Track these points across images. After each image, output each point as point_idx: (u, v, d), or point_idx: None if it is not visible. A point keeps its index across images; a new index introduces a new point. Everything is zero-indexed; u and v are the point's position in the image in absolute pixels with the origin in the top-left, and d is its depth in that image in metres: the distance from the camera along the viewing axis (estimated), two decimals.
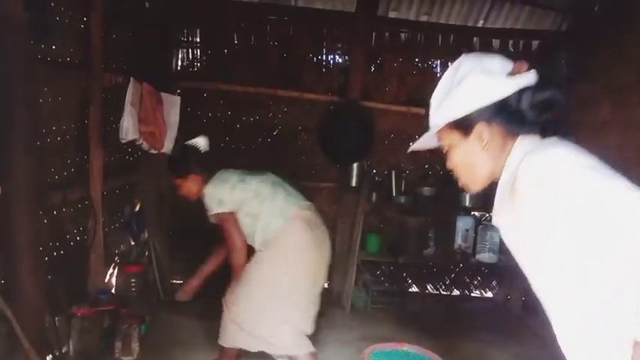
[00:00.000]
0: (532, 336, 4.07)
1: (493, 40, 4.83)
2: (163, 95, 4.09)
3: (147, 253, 4.34)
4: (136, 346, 3.16)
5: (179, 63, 4.72)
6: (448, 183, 4.66)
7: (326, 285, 4.82)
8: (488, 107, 1.20)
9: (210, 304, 2.98)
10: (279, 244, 2.73)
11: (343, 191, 4.80)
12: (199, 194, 2.91)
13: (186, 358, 3.23)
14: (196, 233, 4.60)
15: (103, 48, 3.29)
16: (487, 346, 3.78)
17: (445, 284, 5.04)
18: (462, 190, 4.52)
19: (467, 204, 4.53)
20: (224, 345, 2.88)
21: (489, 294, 5.05)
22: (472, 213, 4.72)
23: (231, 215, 2.76)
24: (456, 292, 5.04)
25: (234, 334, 2.79)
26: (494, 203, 1.29)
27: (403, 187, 4.64)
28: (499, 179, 1.25)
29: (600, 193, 1.02)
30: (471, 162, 1.28)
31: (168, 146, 4.22)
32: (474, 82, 1.21)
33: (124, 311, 3.26)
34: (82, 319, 2.96)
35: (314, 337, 3.65)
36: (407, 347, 2.81)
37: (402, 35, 4.79)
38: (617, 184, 1.03)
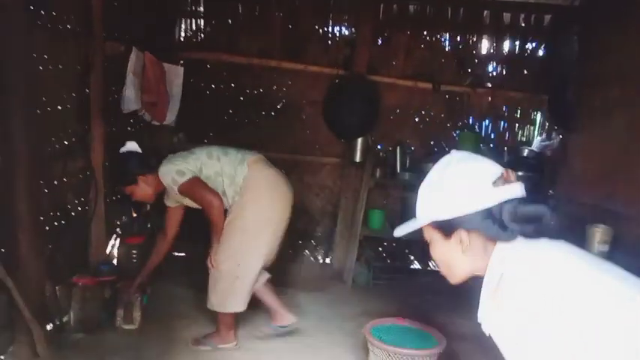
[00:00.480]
0: None
1: (504, 13, 4.70)
2: (166, 66, 4.03)
3: (148, 225, 4.33)
4: (137, 315, 3.17)
5: (182, 33, 4.63)
6: None
7: (327, 260, 4.86)
8: (470, 215, 1.22)
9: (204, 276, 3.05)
10: (253, 186, 2.89)
11: (347, 166, 4.76)
12: (155, 192, 3.00)
13: (187, 330, 3.23)
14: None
15: (105, 16, 3.22)
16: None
17: None
18: None
19: None
20: (222, 310, 2.95)
21: None
22: None
23: (195, 179, 2.84)
24: None
25: (230, 293, 2.91)
26: (480, 302, 1.31)
27: (408, 164, 4.59)
28: (481, 275, 1.28)
29: (569, 319, 1.06)
30: (449, 261, 1.33)
31: (170, 118, 4.18)
32: (460, 188, 1.23)
33: (125, 281, 3.27)
34: (83, 288, 2.97)
35: (316, 313, 3.69)
36: (407, 322, 2.81)
37: (411, 8, 4.67)
38: (591, 298, 1.07)
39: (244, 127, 4.68)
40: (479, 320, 1.36)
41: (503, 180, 1.21)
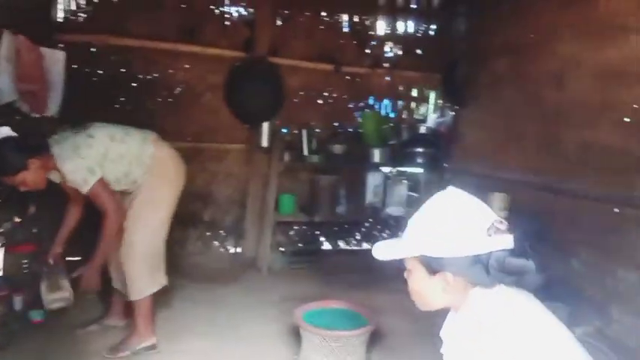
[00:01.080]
0: None
1: None
2: (44, 50, 3.56)
3: (35, 230, 3.86)
4: (65, 282, 2.81)
5: (61, 13, 4.12)
6: (357, 140, 4.71)
7: (239, 249, 4.73)
8: (461, 259, 1.23)
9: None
10: (161, 165, 2.86)
11: (253, 152, 4.63)
12: (46, 175, 2.66)
13: (96, 341, 2.94)
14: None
15: None
16: (403, 294, 3.90)
17: (356, 239, 5.15)
18: (370, 146, 4.59)
19: (376, 160, 4.60)
20: (149, 292, 2.86)
21: None
22: (380, 169, 4.81)
23: (102, 182, 2.67)
24: (366, 246, 5.18)
25: (154, 271, 2.86)
26: (445, 333, 1.41)
27: (314, 146, 4.59)
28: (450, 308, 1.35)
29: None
30: (426, 294, 1.33)
31: (52, 108, 3.72)
32: (456, 232, 1.22)
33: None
34: None
35: (234, 304, 3.57)
36: (336, 304, 2.81)
37: None
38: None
39: (139, 115, 4.32)
40: (441, 351, 1.42)
41: (496, 228, 1.23)
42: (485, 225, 1.22)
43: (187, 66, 4.46)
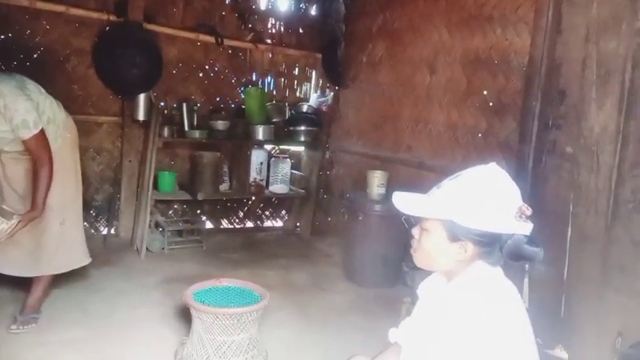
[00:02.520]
0: (322, 256, 4.47)
1: None
2: None
3: None
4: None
5: None
6: (241, 116, 4.62)
7: (112, 231, 4.40)
8: (485, 233, 1.27)
9: None
10: (70, 132, 2.86)
11: (128, 126, 4.31)
12: None
13: None
14: None
15: None
16: (286, 269, 3.99)
17: (239, 218, 5.09)
18: (254, 124, 4.53)
19: (260, 137, 4.56)
20: (49, 273, 2.84)
21: (280, 223, 5.30)
22: (264, 146, 4.79)
23: (42, 131, 2.53)
24: (249, 225, 5.15)
25: (60, 253, 2.83)
26: (427, 285, 1.47)
27: (195, 121, 4.40)
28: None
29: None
30: (436, 257, 1.34)
31: None
32: (491, 207, 1.26)
33: None
34: None
35: (113, 289, 3.32)
36: (226, 282, 2.76)
37: None
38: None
39: None
40: (418, 291, 1.50)
41: (522, 213, 1.28)
42: (515, 207, 1.28)
43: (48, 27, 3.98)
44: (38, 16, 3.91)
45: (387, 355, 1.65)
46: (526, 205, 1.29)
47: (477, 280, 1.31)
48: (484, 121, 3.28)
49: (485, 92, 3.28)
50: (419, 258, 1.41)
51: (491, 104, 3.24)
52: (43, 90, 2.71)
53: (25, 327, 2.68)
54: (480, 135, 3.32)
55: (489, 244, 1.30)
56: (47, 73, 3.99)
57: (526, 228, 1.28)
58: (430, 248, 1.35)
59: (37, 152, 2.51)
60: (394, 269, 3.79)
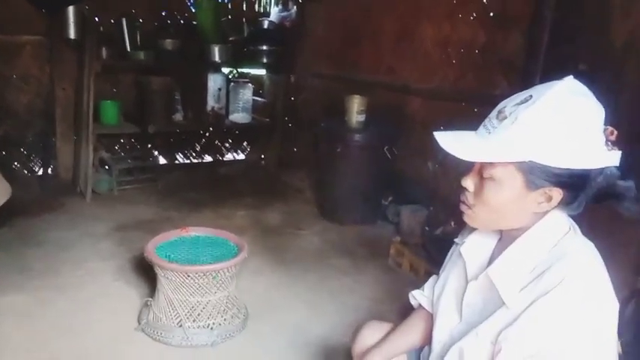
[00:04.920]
0: (293, 191, 4.09)
1: None
2: None
3: None
4: None
5: None
6: (192, 35, 3.99)
7: (49, 171, 3.82)
8: (574, 173, 0.93)
9: None
10: None
11: (57, 47, 3.60)
12: None
13: None
14: None
15: None
16: (255, 209, 3.60)
17: (196, 151, 4.56)
18: (208, 43, 3.92)
19: (216, 59, 3.97)
20: None
21: (242, 156, 4.82)
22: (221, 70, 4.20)
23: None
24: (208, 159, 4.64)
25: None
26: (475, 244, 1.13)
27: (139, 41, 3.74)
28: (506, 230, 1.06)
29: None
30: (506, 213, 1.00)
31: None
32: (576, 138, 0.92)
33: None
34: None
35: (55, 240, 2.84)
36: (193, 231, 2.33)
37: None
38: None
39: None
40: (462, 251, 1.14)
41: (609, 139, 0.93)
42: (601, 132, 0.94)
43: None
44: None
45: (413, 322, 1.32)
46: (610, 128, 0.96)
47: (560, 235, 0.99)
48: (483, 35, 2.86)
49: (485, 0, 2.83)
50: (478, 216, 1.04)
51: (492, 14, 2.81)
52: None
53: None
54: (476, 51, 2.91)
55: (579, 186, 0.96)
56: None
57: (615, 158, 0.96)
58: (499, 202, 0.99)
59: None
60: (375, 204, 3.47)
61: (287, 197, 3.92)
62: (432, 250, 2.71)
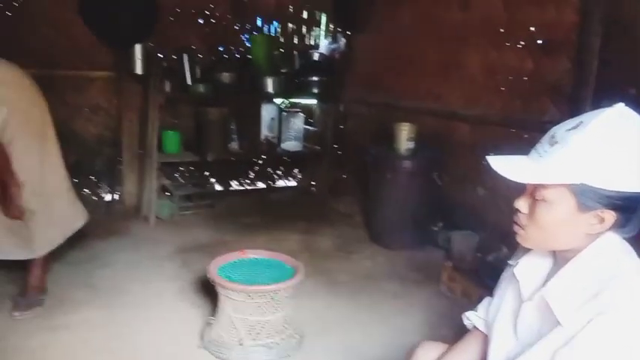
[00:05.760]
0: (342, 216, 4.18)
1: None
2: None
3: None
4: None
5: None
6: (246, 68, 4.20)
7: (116, 197, 4.07)
8: (630, 196, 0.97)
9: None
10: (19, 90, 2.35)
11: (124, 81, 3.89)
12: None
13: None
14: None
15: None
16: (307, 233, 3.70)
17: (250, 178, 4.74)
18: (261, 75, 4.11)
19: (269, 90, 4.15)
20: (55, 245, 2.56)
21: (293, 182, 4.97)
22: (274, 100, 4.39)
23: None
24: (261, 185, 4.81)
25: (53, 225, 2.51)
26: (529, 267, 1.16)
27: (199, 74, 3.98)
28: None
29: None
30: (558, 233, 1.05)
31: None
32: (633, 164, 0.96)
33: None
34: None
35: (122, 261, 3.02)
36: (251, 254, 2.45)
37: None
38: None
39: None
40: (516, 272, 1.17)
41: None
42: None
43: None
44: None
45: (468, 342, 1.36)
46: None
47: (614, 257, 1.01)
48: (530, 62, 2.90)
49: (532, 28, 2.88)
50: (531, 236, 1.09)
51: (539, 42, 2.85)
52: None
53: (30, 311, 2.39)
54: (525, 78, 2.95)
55: (631, 209, 1.00)
56: (30, 23, 3.57)
57: None
58: (551, 223, 1.04)
59: None
60: (424, 230, 3.50)
61: (336, 222, 4.01)
62: (485, 276, 2.71)
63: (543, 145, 1.05)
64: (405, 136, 3.40)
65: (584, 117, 1.02)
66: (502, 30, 3.06)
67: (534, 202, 1.06)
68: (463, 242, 3.14)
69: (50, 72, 3.65)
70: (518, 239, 1.13)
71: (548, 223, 1.05)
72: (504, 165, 1.06)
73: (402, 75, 3.98)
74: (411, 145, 3.41)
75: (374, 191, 3.62)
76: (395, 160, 3.37)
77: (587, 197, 0.99)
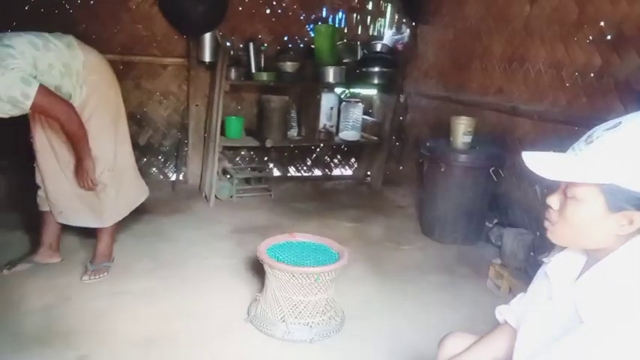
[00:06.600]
0: (395, 207, 4.20)
1: None
2: None
3: None
4: None
5: None
6: (310, 57, 4.29)
7: (181, 177, 4.32)
8: None
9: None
10: (97, 72, 2.48)
11: (194, 68, 4.10)
12: None
13: (25, 282, 2.53)
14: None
15: None
16: (359, 221, 3.76)
17: (307, 165, 4.86)
18: (324, 65, 4.19)
19: (330, 80, 4.23)
20: (120, 217, 2.77)
21: (349, 172, 5.04)
22: (335, 90, 4.46)
23: (43, 88, 2.18)
24: (317, 173, 4.92)
25: (121, 198, 2.71)
26: (561, 265, 1.17)
27: (263, 63, 4.12)
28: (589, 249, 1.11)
29: None
30: (587, 232, 1.04)
31: None
32: None
33: None
34: None
35: (184, 238, 3.23)
36: (300, 237, 2.55)
37: None
38: None
39: (53, 19, 3.64)
40: (548, 271, 1.19)
41: None
42: None
43: None
44: None
45: (497, 336, 1.38)
46: None
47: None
48: (598, 58, 2.78)
49: (602, 23, 2.76)
50: (560, 233, 1.09)
51: (609, 37, 2.72)
52: (43, 40, 2.28)
53: (97, 276, 2.63)
54: (592, 74, 2.83)
55: None
56: (111, 12, 3.84)
57: None
58: (580, 221, 1.04)
59: (49, 115, 2.31)
60: (477, 225, 3.46)
61: (390, 213, 4.04)
62: (534, 276, 2.66)
63: (580, 143, 1.05)
64: (462, 130, 3.36)
65: (625, 117, 1.02)
66: (570, 24, 2.94)
67: (566, 199, 1.07)
68: (516, 240, 3.07)
69: (128, 58, 3.94)
70: (549, 235, 1.13)
71: (577, 221, 1.05)
72: (538, 161, 1.06)
73: (464, 68, 3.92)
74: (468, 139, 3.36)
75: (428, 184, 3.61)
76: (450, 154, 3.34)
77: (616, 198, 0.98)
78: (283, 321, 2.23)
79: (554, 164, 1.05)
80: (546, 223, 1.13)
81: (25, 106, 2.15)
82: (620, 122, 1.00)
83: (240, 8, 4.17)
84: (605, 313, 0.98)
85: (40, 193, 2.69)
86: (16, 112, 2.20)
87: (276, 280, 2.24)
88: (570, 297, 1.08)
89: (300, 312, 2.24)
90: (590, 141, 1.02)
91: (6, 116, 2.20)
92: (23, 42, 2.20)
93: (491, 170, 3.34)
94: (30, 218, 2.98)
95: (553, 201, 1.10)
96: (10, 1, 3.51)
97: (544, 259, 1.28)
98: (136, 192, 2.88)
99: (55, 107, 2.25)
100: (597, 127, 1.04)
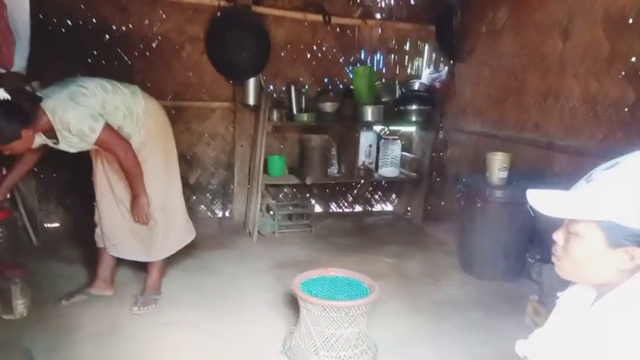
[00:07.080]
0: (435, 243, 4.21)
1: None
2: None
3: (9, 196, 3.60)
4: (19, 303, 2.63)
5: None
6: (349, 98, 4.46)
7: (227, 214, 4.53)
8: None
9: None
10: (154, 118, 2.74)
11: (239, 110, 4.36)
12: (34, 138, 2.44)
13: (80, 312, 2.75)
14: (64, 168, 3.96)
15: None
16: (397, 257, 3.81)
17: (348, 201, 4.98)
18: (362, 104, 4.34)
19: (369, 118, 4.37)
20: (168, 254, 2.97)
21: (389, 207, 5.10)
22: (374, 128, 4.59)
23: (107, 125, 2.48)
24: (358, 209, 5.02)
25: (170, 237, 2.92)
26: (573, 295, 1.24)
27: (304, 104, 4.33)
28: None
29: None
30: (589, 267, 1.10)
31: (19, 63, 3.39)
32: None
33: None
34: None
35: (226, 272, 3.39)
36: (333, 272, 2.65)
37: None
38: None
39: (114, 71, 3.98)
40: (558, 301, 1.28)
41: None
42: None
43: (164, 16, 4.11)
44: (155, 6, 4.06)
45: None
46: None
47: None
48: (632, 93, 2.78)
49: (633, 59, 2.77)
50: (565, 268, 1.15)
51: None
52: (112, 85, 2.59)
53: (146, 307, 2.81)
54: (626, 109, 2.82)
55: None
56: (165, 62, 4.17)
57: None
58: (582, 256, 1.10)
59: (111, 151, 2.54)
60: (517, 261, 3.43)
61: (429, 249, 4.06)
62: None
63: (581, 182, 1.12)
64: (497, 166, 3.39)
65: (622, 157, 1.08)
66: (603, 60, 2.96)
67: (569, 235, 1.13)
68: (554, 276, 3.02)
69: (180, 103, 4.25)
70: (556, 270, 1.19)
71: (579, 256, 1.11)
72: (541, 198, 1.14)
73: (501, 104, 3.96)
74: (504, 174, 3.38)
75: (466, 219, 3.63)
76: (486, 189, 3.37)
77: (615, 234, 1.04)
78: (316, 354, 2.31)
79: (556, 201, 1.12)
80: (553, 258, 1.19)
81: (91, 140, 2.43)
82: (617, 162, 1.06)
83: (283, 54, 4.43)
84: (613, 348, 1.02)
85: (97, 230, 2.94)
86: (82, 146, 2.50)
87: (309, 313, 2.34)
88: (583, 327, 1.13)
89: (332, 345, 2.31)
90: (590, 179, 1.09)
91: (73, 150, 2.51)
92: (95, 84, 2.53)
93: (528, 206, 3.32)
94: (89, 253, 3.23)
95: (558, 237, 1.16)
96: (75, 54, 3.90)
97: (558, 294, 1.33)
98: (184, 233, 3.07)
99: (116, 143, 2.51)
100: (598, 166, 1.10)
